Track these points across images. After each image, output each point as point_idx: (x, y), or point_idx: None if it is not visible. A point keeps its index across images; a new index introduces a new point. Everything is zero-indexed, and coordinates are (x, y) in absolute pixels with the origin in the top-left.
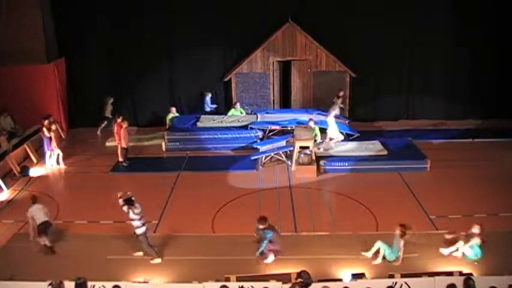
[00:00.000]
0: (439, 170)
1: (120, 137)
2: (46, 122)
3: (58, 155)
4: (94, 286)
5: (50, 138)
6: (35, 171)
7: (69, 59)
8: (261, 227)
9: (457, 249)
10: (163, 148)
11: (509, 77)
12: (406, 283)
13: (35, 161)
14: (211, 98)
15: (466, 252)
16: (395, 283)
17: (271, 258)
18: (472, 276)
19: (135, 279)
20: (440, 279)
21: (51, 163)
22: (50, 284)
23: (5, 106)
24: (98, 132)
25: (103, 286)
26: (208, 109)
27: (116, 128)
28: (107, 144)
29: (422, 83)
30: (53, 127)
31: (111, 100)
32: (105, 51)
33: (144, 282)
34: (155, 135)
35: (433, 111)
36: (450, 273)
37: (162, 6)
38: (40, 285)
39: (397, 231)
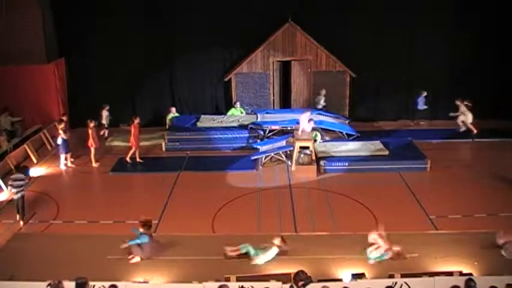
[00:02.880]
0: (439, 170)
1: (137, 138)
2: (62, 125)
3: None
4: (94, 286)
5: (66, 140)
6: (35, 171)
7: (69, 59)
8: (141, 230)
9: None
10: (163, 148)
11: (509, 77)
12: (406, 283)
13: (35, 161)
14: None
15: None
16: (395, 283)
17: (136, 259)
18: (472, 277)
19: (135, 279)
20: (440, 279)
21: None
22: (48, 284)
23: (4, 106)
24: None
25: (103, 286)
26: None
27: (132, 130)
28: (107, 144)
29: (422, 83)
30: (91, 124)
31: (107, 107)
32: (105, 51)
33: (144, 282)
34: (155, 135)
35: (433, 111)
36: (450, 273)
37: (162, 6)
38: (40, 285)
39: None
